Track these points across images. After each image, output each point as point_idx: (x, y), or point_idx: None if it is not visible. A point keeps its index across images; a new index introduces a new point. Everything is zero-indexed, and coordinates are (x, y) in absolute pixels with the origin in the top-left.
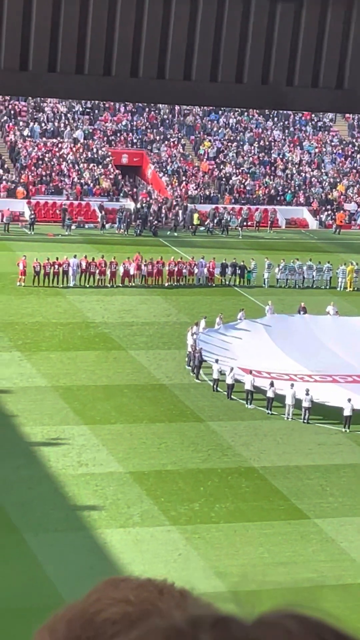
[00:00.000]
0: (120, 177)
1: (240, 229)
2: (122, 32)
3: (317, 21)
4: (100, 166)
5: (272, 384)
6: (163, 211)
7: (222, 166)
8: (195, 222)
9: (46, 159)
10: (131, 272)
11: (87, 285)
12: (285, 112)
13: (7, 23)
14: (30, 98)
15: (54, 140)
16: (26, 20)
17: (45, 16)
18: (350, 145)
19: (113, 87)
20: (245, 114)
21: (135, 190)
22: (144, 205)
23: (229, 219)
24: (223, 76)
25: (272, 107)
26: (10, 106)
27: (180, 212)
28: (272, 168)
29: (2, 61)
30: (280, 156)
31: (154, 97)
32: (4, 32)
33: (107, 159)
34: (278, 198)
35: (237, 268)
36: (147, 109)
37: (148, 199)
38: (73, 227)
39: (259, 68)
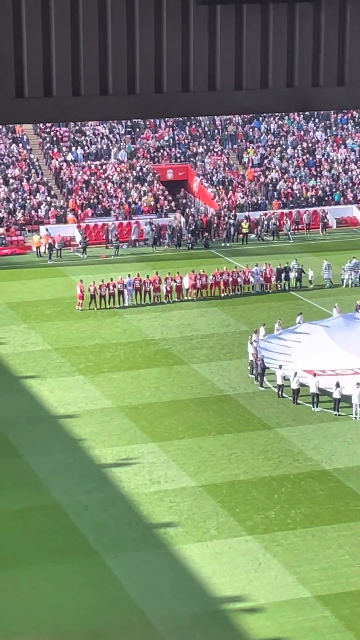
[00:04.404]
0: (166, 192)
1: (290, 232)
2: (143, 50)
3: (337, 19)
4: (146, 184)
5: (337, 385)
6: (214, 222)
7: (267, 172)
8: (244, 230)
9: (92, 182)
10: (185, 287)
11: (143, 303)
12: (325, 112)
13: (28, 51)
14: (71, 123)
15: (98, 162)
16: (46, 47)
17: (64, 41)
18: None
19: (139, 105)
20: (286, 117)
21: (184, 204)
22: (194, 219)
23: (277, 224)
24: (248, 83)
25: (299, 110)
26: (52, 132)
27: (229, 222)
28: (318, 169)
29: (26, 89)
30: (325, 156)
31: (181, 110)
32: (26, 59)
33: (152, 176)
34: (326, 199)
35: (296, 272)
36: (188, 122)
37: (196, 212)
38: (124, 246)
39: (283, 72)
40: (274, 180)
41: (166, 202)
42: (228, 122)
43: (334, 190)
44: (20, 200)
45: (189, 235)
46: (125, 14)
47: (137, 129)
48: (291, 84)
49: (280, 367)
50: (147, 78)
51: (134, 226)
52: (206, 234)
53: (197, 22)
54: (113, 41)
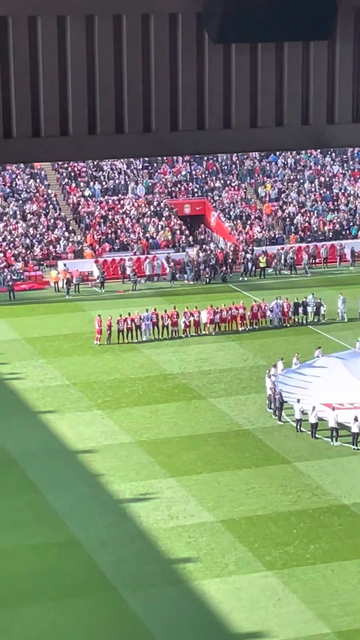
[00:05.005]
0: (184, 227)
1: (307, 267)
2: (159, 88)
3: (351, 56)
4: (163, 218)
5: (356, 419)
6: (229, 257)
7: (284, 206)
8: (262, 264)
9: (109, 217)
10: (203, 321)
11: (161, 338)
12: None
13: (45, 91)
14: None
15: (115, 197)
16: (63, 87)
17: (81, 81)
18: None
19: (155, 143)
20: (303, 152)
21: (201, 239)
22: (211, 254)
23: (294, 258)
24: (263, 121)
25: (315, 147)
26: (70, 168)
27: (247, 256)
28: (335, 203)
29: (43, 128)
30: (342, 190)
31: (196, 148)
32: (42, 99)
33: (170, 211)
34: (344, 232)
35: (313, 306)
36: (205, 157)
37: (214, 246)
38: (142, 281)
39: (298, 109)
40: (292, 214)
41: (183, 236)
42: (245, 157)
43: (351, 224)
44: (38, 235)
45: (206, 269)
46: (141, 53)
47: (155, 164)
48: (306, 122)
49: (298, 401)
50: (162, 116)
51: (147, 261)
52: (224, 268)
53: (213, 61)
54: (129, 80)
